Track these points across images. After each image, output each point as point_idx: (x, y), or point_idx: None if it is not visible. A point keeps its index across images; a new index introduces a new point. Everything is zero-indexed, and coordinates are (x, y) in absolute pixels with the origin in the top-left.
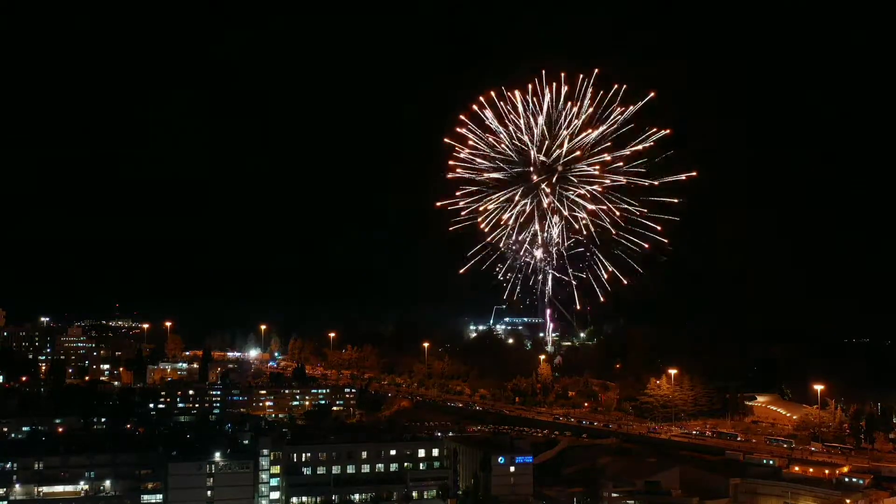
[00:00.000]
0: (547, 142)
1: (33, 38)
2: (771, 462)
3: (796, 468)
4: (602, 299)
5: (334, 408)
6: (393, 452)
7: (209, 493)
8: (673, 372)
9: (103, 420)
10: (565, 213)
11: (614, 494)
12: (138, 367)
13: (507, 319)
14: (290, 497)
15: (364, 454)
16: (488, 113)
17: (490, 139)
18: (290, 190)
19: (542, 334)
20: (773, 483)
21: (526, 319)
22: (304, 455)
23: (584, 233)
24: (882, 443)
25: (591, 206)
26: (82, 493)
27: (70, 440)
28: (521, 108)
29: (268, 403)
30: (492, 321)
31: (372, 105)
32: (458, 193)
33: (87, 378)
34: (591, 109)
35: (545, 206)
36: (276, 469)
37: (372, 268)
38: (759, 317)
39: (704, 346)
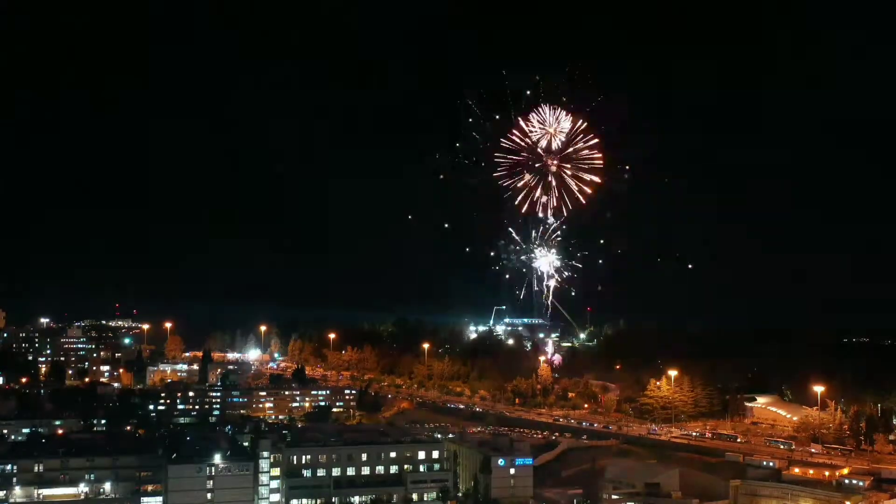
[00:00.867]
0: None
1: None
2: (771, 464)
3: (796, 470)
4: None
5: (334, 409)
6: (393, 454)
7: (209, 495)
8: (673, 373)
9: (103, 422)
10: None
11: (614, 496)
12: (138, 369)
13: (507, 320)
14: (290, 499)
15: (364, 456)
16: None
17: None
18: (290, 190)
19: (541, 335)
20: (773, 485)
21: (526, 320)
22: (304, 457)
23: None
24: (882, 444)
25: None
26: (82, 495)
27: (70, 442)
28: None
29: (268, 405)
30: (492, 322)
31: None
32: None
33: (86, 379)
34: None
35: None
36: (275, 471)
37: (372, 267)
38: (759, 317)
39: (705, 346)
